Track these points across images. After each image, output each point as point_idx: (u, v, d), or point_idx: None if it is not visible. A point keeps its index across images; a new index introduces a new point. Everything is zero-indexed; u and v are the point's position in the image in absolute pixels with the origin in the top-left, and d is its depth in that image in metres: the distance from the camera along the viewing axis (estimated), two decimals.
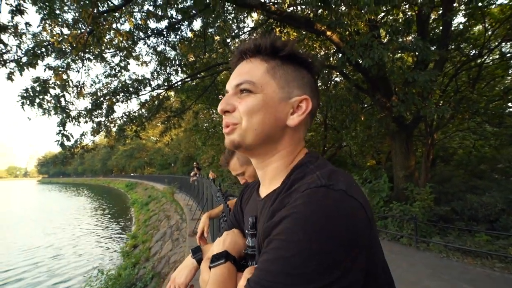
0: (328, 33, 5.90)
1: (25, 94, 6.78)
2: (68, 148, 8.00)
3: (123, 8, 7.08)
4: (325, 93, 10.36)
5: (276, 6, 6.83)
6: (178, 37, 9.16)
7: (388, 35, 6.75)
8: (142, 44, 9.08)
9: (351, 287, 0.40)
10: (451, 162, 11.54)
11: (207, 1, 6.19)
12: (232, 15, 9.10)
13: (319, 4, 5.78)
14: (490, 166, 10.25)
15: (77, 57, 7.48)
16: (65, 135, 7.37)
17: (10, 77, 6.26)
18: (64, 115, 7.44)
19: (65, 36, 6.59)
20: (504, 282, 4.00)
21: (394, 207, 6.77)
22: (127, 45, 8.22)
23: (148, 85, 9.26)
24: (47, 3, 6.45)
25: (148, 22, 8.38)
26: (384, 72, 6.47)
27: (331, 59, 9.02)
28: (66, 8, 7.09)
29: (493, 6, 8.17)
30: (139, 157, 48.70)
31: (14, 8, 5.85)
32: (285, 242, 0.42)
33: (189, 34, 9.11)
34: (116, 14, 7.32)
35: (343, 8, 5.76)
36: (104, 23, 6.64)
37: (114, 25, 7.57)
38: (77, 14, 6.73)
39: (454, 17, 7.19)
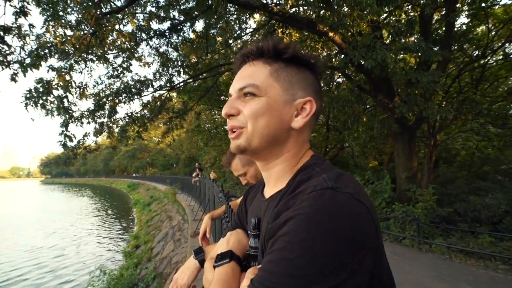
0: (330, 34, 5.89)
1: (28, 95, 6.83)
2: (71, 149, 8.04)
3: (126, 9, 7.12)
4: (327, 94, 10.36)
5: (278, 7, 6.84)
6: (180, 38, 9.20)
7: (390, 36, 6.74)
8: (144, 45, 9.12)
9: None
10: (454, 163, 11.46)
11: (209, 2, 6.21)
12: (234, 16, 9.12)
13: (321, 5, 5.78)
14: (494, 168, 10.18)
15: (80, 58, 7.52)
16: (68, 135, 7.40)
17: (13, 78, 6.31)
18: (67, 116, 7.48)
19: (68, 38, 6.64)
20: (508, 284, 3.97)
21: (397, 208, 6.74)
22: (129, 46, 8.27)
23: (150, 86, 9.30)
24: (50, 5, 6.50)
25: (150, 23, 8.44)
26: (386, 73, 6.45)
27: (333, 60, 9.01)
28: (69, 9, 7.14)
29: (497, 7, 8.11)
30: (141, 158, 48.84)
31: (18, 10, 5.91)
32: (289, 243, 0.42)
33: (191, 35, 9.14)
34: (119, 15, 7.37)
35: (345, 9, 5.75)
36: (107, 24, 6.68)
37: (116, 27, 7.62)
38: (80, 16, 6.77)
39: (457, 18, 7.16)
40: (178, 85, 9.94)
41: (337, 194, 0.43)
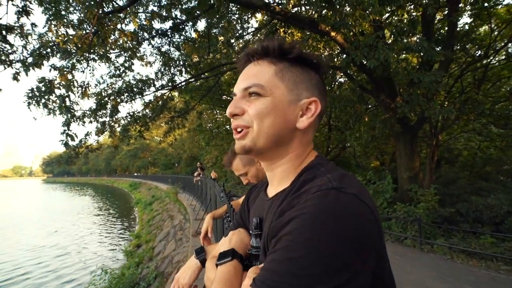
0: (333, 33, 5.88)
1: (31, 94, 6.86)
2: (73, 148, 8.07)
3: (128, 8, 7.13)
4: (329, 94, 10.32)
5: (280, 6, 6.83)
6: (182, 37, 9.21)
7: (392, 36, 6.71)
8: (146, 45, 9.18)
9: None
10: (456, 164, 11.43)
11: (212, 1, 6.21)
12: (236, 15, 9.12)
13: (323, 4, 5.77)
14: (496, 168, 10.14)
15: (82, 58, 7.54)
16: (70, 135, 7.43)
17: (16, 77, 6.34)
18: (69, 115, 7.51)
19: (70, 37, 6.65)
20: (509, 285, 3.95)
21: (398, 208, 6.72)
22: (131, 46, 8.28)
23: (152, 85, 9.31)
24: (52, 4, 6.52)
25: (152, 22, 8.44)
26: (388, 73, 6.43)
27: (335, 59, 8.99)
28: (71, 9, 7.16)
29: (500, 7, 8.08)
30: (143, 157, 48.96)
31: (20, 9, 5.93)
32: (292, 242, 0.42)
33: (193, 35, 9.15)
34: (121, 14, 7.38)
35: (348, 9, 5.74)
36: (109, 23, 6.69)
37: (119, 26, 7.63)
38: (82, 15, 6.79)
39: (459, 18, 7.13)
40: (180, 85, 9.95)
41: (341, 195, 0.43)
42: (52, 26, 7.01)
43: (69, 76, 7.31)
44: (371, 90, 7.91)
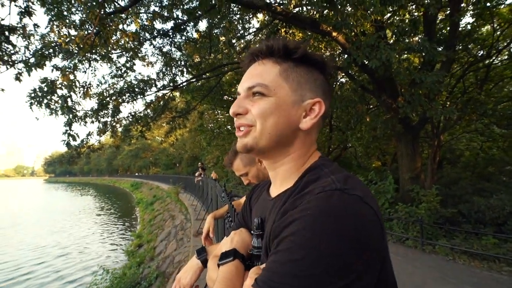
0: (334, 33, 5.88)
1: (33, 95, 6.89)
2: (74, 148, 8.10)
3: (130, 9, 7.15)
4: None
5: (281, 6, 6.83)
6: (183, 38, 9.23)
7: (394, 36, 6.70)
8: (148, 45, 9.17)
9: None
10: (458, 164, 11.37)
11: (213, 1, 6.22)
12: (238, 16, 9.13)
13: (325, 4, 5.76)
14: (498, 168, 10.08)
15: (84, 58, 7.58)
16: (72, 135, 7.46)
17: (18, 77, 6.37)
18: (71, 115, 7.54)
19: (73, 37, 6.69)
20: None
21: (400, 208, 6.70)
22: (133, 46, 8.31)
23: (153, 85, 9.34)
24: (55, 5, 6.55)
25: (154, 23, 8.46)
26: (390, 73, 6.42)
27: (337, 59, 8.98)
28: (73, 9, 7.19)
29: (502, 6, 8.04)
30: (144, 157, 49.08)
31: (23, 10, 5.96)
32: (294, 243, 0.41)
33: (195, 35, 9.18)
34: (123, 15, 7.40)
35: (349, 9, 5.73)
36: (111, 24, 6.71)
37: (120, 26, 7.66)
38: (84, 16, 6.82)
39: (462, 18, 7.10)
40: (181, 85, 9.97)
41: (345, 196, 0.43)
42: (54, 26, 7.05)
43: (71, 77, 7.35)
44: (373, 90, 7.89)
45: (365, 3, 4.80)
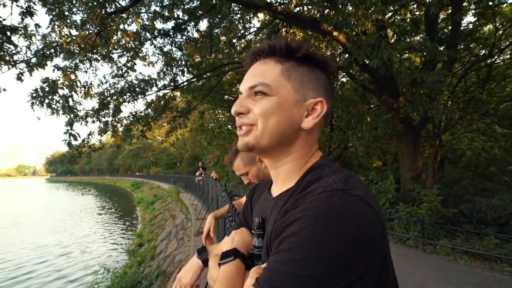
0: (335, 33, 5.86)
1: (34, 94, 6.91)
2: (76, 147, 8.12)
3: (130, 9, 7.16)
4: None
5: (282, 6, 6.82)
6: (184, 37, 9.23)
7: (395, 35, 6.67)
8: (148, 45, 9.17)
9: None
10: (460, 164, 11.34)
11: (214, 1, 6.22)
12: (238, 15, 9.12)
13: (326, 4, 5.75)
14: (500, 168, 10.05)
15: (85, 58, 7.59)
16: (73, 134, 7.48)
17: (19, 77, 6.39)
18: (72, 115, 7.55)
19: (74, 37, 6.70)
20: None
21: (401, 208, 6.69)
22: (134, 46, 8.31)
23: (154, 85, 9.35)
24: (56, 5, 6.56)
25: (154, 22, 8.47)
26: (391, 73, 6.40)
27: (338, 59, 8.96)
28: (74, 9, 7.20)
29: (504, 5, 8.01)
30: (145, 157, 49.17)
31: (24, 10, 5.98)
32: (295, 243, 0.41)
33: (195, 35, 9.17)
34: (124, 15, 7.41)
35: (350, 8, 5.72)
36: (112, 24, 6.72)
37: (121, 26, 7.66)
38: (85, 15, 6.83)
39: (463, 17, 7.07)
40: (182, 85, 9.98)
41: (347, 196, 0.43)
42: (56, 26, 7.06)
43: (72, 76, 7.36)
44: (374, 90, 7.87)
45: (366, 3, 4.79)
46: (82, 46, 6.18)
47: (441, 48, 6.28)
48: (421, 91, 5.84)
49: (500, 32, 8.19)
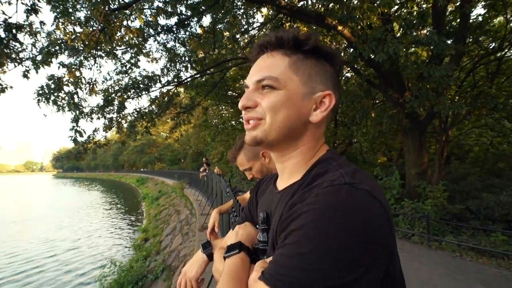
0: (340, 27, 5.78)
1: (40, 92, 6.98)
2: (81, 144, 8.21)
3: (134, 5, 7.15)
4: None
5: (286, 0, 6.74)
6: (187, 33, 9.21)
7: (401, 29, 6.56)
8: (152, 41, 9.26)
9: (371, 285, 0.39)
10: (467, 160, 11.19)
11: None
12: (242, 10, 9.05)
13: None
14: (509, 164, 9.88)
15: (89, 55, 7.62)
16: (78, 131, 7.57)
17: (26, 75, 6.45)
18: (77, 111, 7.63)
19: (78, 34, 6.72)
20: None
21: (406, 204, 6.64)
22: (137, 42, 8.32)
23: (158, 81, 9.36)
24: (60, 2, 6.58)
25: (158, 18, 8.45)
26: (397, 67, 6.31)
27: (342, 54, 8.85)
28: (78, 6, 7.23)
29: None
30: (149, 153, 49.57)
31: (29, 8, 6.01)
32: (302, 237, 0.41)
33: (199, 30, 9.13)
34: (127, 11, 7.41)
35: (355, 2, 5.62)
36: (115, 20, 6.72)
37: (125, 23, 7.67)
38: (89, 12, 6.84)
39: (472, 9, 6.90)
40: (185, 81, 9.98)
41: (354, 190, 0.43)
42: (60, 24, 7.10)
43: (77, 73, 7.42)
44: (379, 85, 7.77)
45: None
46: (86, 43, 6.20)
47: (449, 42, 6.16)
48: (428, 85, 5.74)
49: (511, 24, 7.97)
